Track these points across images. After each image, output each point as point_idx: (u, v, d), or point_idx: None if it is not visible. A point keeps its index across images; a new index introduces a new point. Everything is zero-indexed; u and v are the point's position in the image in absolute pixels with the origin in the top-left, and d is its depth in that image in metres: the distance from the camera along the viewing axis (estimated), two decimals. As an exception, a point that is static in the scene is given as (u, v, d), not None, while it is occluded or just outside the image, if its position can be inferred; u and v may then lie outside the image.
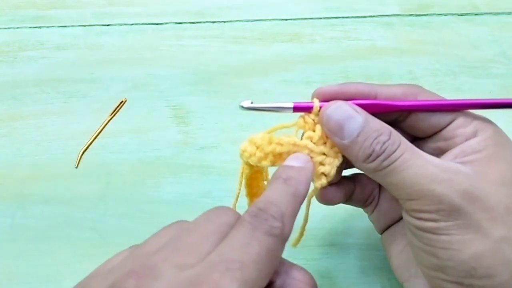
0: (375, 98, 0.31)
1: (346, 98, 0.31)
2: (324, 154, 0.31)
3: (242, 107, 0.31)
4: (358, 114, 0.30)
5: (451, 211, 0.28)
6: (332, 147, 0.31)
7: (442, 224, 0.28)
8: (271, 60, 0.54)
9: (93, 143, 0.48)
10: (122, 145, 0.47)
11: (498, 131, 0.31)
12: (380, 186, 0.35)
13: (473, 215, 0.28)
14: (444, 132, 0.31)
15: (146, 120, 0.49)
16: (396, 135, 0.30)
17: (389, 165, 0.29)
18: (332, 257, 0.40)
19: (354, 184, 0.35)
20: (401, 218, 0.35)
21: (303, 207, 0.29)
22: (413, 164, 0.29)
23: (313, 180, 0.31)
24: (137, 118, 0.49)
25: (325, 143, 0.31)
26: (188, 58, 0.54)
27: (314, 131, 0.31)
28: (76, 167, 0.46)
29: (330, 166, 0.31)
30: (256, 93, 0.51)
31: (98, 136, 0.48)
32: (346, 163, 0.32)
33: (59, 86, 0.52)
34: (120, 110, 0.50)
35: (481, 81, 0.52)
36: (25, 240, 0.41)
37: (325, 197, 0.34)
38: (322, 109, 0.31)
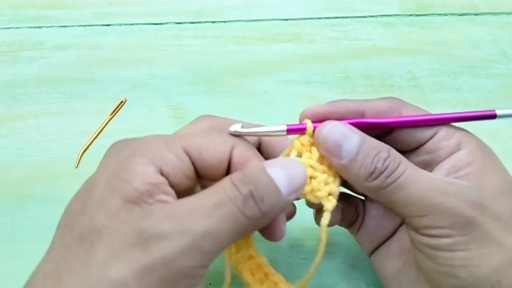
0: (363, 115, 0.31)
1: (336, 117, 0.30)
2: (325, 173, 0.30)
3: (230, 132, 0.29)
4: (353, 133, 0.29)
5: (465, 224, 0.27)
6: (330, 167, 0.30)
7: (457, 239, 0.27)
8: (271, 60, 0.54)
9: (93, 143, 0.48)
10: (122, 145, 0.47)
11: (480, 142, 0.31)
12: (364, 204, 0.35)
13: (486, 226, 0.27)
14: (427, 146, 0.31)
15: (146, 120, 0.49)
16: (395, 151, 0.29)
17: (393, 182, 0.28)
18: (332, 257, 0.40)
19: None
20: (391, 236, 0.34)
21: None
22: (419, 179, 0.28)
23: (321, 206, 0.30)
24: (137, 118, 0.49)
25: (322, 163, 0.30)
26: (188, 58, 0.54)
27: (310, 152, 0.30)
28: (76, 167, 0.46)
29: (334, 184, 0.30)
30: (256, 93, 0.51)
31: (98, 136, 0.48)
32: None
33: (59, 86, 0.52)
34: (120, 110, 0.50)
35: (481, 81, 0.52)
36: (25, 240, 0.41)
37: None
38: (317, 130, 0.30)
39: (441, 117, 0.31)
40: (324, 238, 0.30)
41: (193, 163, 0.27)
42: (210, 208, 0.24)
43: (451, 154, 0.30)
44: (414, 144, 0.32)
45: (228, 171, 0.28)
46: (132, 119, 0.49)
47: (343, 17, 0.58)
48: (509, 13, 0.58)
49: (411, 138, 0.31)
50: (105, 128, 0.49)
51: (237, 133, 0.29)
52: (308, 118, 0.31)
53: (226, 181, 0.26)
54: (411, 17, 0.58)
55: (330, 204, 0.30)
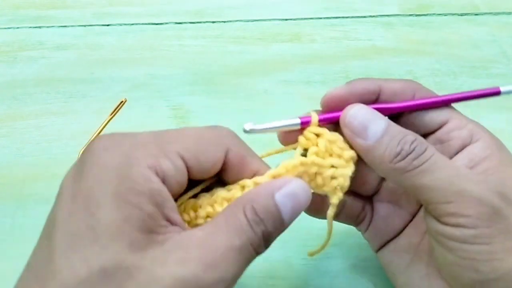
0: (379, 95, 0.31)
1: (356, 99, 0.30)
2: (333, 166, 0.30)
3: (245, 130, 0.29)
4: (379, 117, 0.29)
5: (492, 214, 0.26)
6: (341, 156, 0.30)
7: (482, 230, 0.26)
8: (271, 60, 0.54)
9: (93, 143, 0.48)
10: (122, 145, 0.47)
11: (493, 136, 0.30)
12: (372, 203, 0.34)
13: (511, 219, 0.27)
14: (439, 134, 0.31)
15: (146, 120, 0.49)
16: (421, 137, 0.29)
17: (420, 165, 0.27)
18: (332, 257, 0.40)
19: (344, 199, 0.32)
20: (399, 233, 0.33)
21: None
22: (446, 165, 0.28)
23: (328, 196, 0.30)
24: (137, 118, 0.49)
25: (331, 155, 0.30)
26: (188, 58, 0.54)
27: (317, 145, 0.30)
28: (76, 167, 0.46)
29: (342, 178, 0.29)
30: (256, 93, 0.51)
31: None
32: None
33: (59, 86, 0.52)
34: (120, 110, 0.50)
35: (481, 81, 0.52)
36: (25, 240, 0.41)
37: (311, 209, 0.31)
38: (343, 111, 0.30)
39: (447, 98, 0.31)
40: (329, 228, 0.31)
41: (187, 168, 0.26)
42: (236, 253, 0.24)
43: (463, 145, 0.30)
44: (423, 130, 0.31)
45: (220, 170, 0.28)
46: (132, 119, 0.49)
47: (343, 17, 0.58)
48: (509, 13, 0.58)
49: (420, 124, 0.31)
50: (105, 128, 0.49)
51: (252, 132, 0.29)
52: (328, 104, 0.31)
53: (241, 217, 0.25)
54: (411, 17, 0.58)
55: (336, 197, 0.30)
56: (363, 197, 0.34)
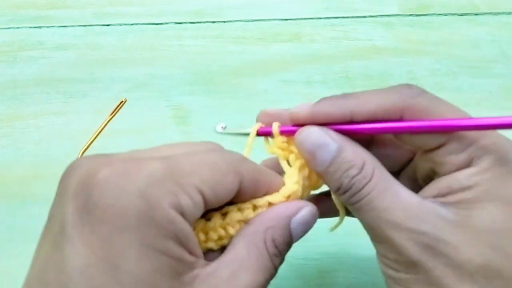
0: (350, 121, 0.28)
1: (322, 121, 0.28)
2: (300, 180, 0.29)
3: (216, 131, 0.31)
4: (332, 142, 0.27)
5: (409, 264, 0.26)
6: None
7: (402, 275, 0.26)
8: (271, 60, 0.54)
9: (93, 143, 0.48)
10: (122, 145, 0.47)
11: (503, 159, 0.25)
12: None
13: (435, 271, 0.25)
14: (434, 155, 0.27)
15: (146, 120, 0.49)
16: (370, 167, 0.27)
17: (356, 202, 0.27)
18: (332, 257, 0.40)
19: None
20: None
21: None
22: (377, 207, 0.26)
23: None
24: (137, 118, 0.49)
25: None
26: (188, 58, 0.54)
27: (291, 152, 0.30)
28: (76, 167, 0.46)
29: (303, 190, 0.30)
30: (256, 93, 0.51)
31: (98, 136, 0.48)
32: None
33: (59, 86, 0.52)
34: (120, 110, 0.50)
35: (481, 81, 0.52)
36: (25, 240, 0.41)
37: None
38: (295, 135, 0.29)
39: (442, 123, 0.26)
40: (340, 204, 0.30)
41: (204, 200, 0.24)
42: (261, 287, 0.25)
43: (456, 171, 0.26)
44: (417, 149, 0.29)
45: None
46: (132, 119, 0.49)
47: (343, 17, 0.58)
48: (509, 13, 0.58)
49: (411, 144, 0.28)
50: (105, 128, 0.49)
51: (219, 133, 0.31)
52: (291, 122, 0.29)
53: (264, 252, 0.26)
54: (411, 17, 0.58)
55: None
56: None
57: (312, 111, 0.28)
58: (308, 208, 0.28)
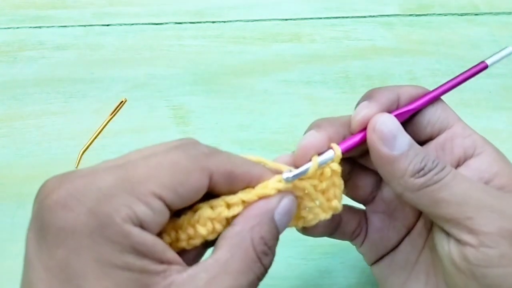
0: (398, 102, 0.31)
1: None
2: (315, 203, 0.29)
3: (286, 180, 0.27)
4: (405, 132, 0.29)
5: (488, 237, 0.26)
6: (328, 200, 0.29)
7: (505, 249, 0.25)
8: (271, 60, 0.54)
9: (93, 143, 0.48)
10: (122, 145, 0.47)
11: (497, 150, 0.30)
12: (366, 216, 0.33)
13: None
14: (441, 139, 0.30)
15: (146, 120, 0.49)
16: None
17: (440, 180, 0.27)
18: (332, 257, 0.40)
19: (339, 216, 0.32)
20: (395, 248, 0.33)
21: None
22: (465, 180, 0.27)
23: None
24: (137, 118, 0.49)
25: (324, 193, 0.29)
26: (188, 58, 0.54)
27: (321, 181, 0.29)
28: (76, 167, 0.46)
29: (313, 216, 0.29)
30: (256, 93, 0.51)
31: (98, 136, 0.48)
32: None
33: (59, 86, 0.52)
34: (120, 110, 0.50)
35: (481, 81, 0.52)
36: (25, 240, 0.41)
37: (306, 230, 0.31)
38: (372, 119, 0.29)
39: (440, 90, 0.31)
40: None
41: (166, 205, 0.23)
42: None
43: (465, 155, 0.30)
44: (424, 137, 0.31)
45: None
46: (132, 119, 0.49)
47: (343, 17, 0.58)
48: (509, 13, 0.58)
49: (421, 127, 0.31)
50: (105, 128, 0.49)
51: (289, 181, 0.27)
52: (362, 124, 0.29)
53: (251, 252, 0.25)
54: (411, 17, 0.58)
55: (293, 223, 0.29)
56: (359, 212, 0.34)
57: (375, 103, 0.29)
58: (288, 197, 0.27)
